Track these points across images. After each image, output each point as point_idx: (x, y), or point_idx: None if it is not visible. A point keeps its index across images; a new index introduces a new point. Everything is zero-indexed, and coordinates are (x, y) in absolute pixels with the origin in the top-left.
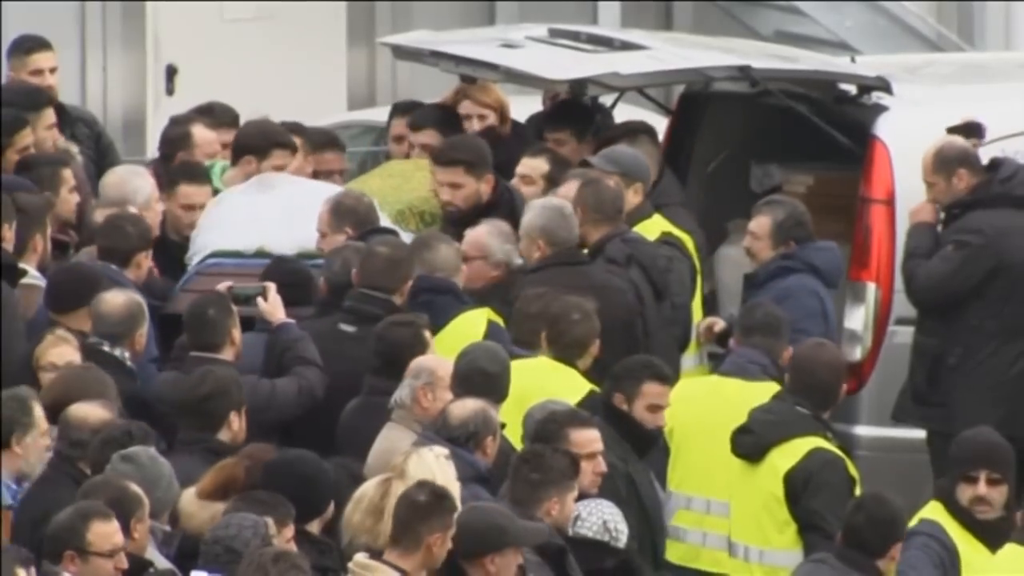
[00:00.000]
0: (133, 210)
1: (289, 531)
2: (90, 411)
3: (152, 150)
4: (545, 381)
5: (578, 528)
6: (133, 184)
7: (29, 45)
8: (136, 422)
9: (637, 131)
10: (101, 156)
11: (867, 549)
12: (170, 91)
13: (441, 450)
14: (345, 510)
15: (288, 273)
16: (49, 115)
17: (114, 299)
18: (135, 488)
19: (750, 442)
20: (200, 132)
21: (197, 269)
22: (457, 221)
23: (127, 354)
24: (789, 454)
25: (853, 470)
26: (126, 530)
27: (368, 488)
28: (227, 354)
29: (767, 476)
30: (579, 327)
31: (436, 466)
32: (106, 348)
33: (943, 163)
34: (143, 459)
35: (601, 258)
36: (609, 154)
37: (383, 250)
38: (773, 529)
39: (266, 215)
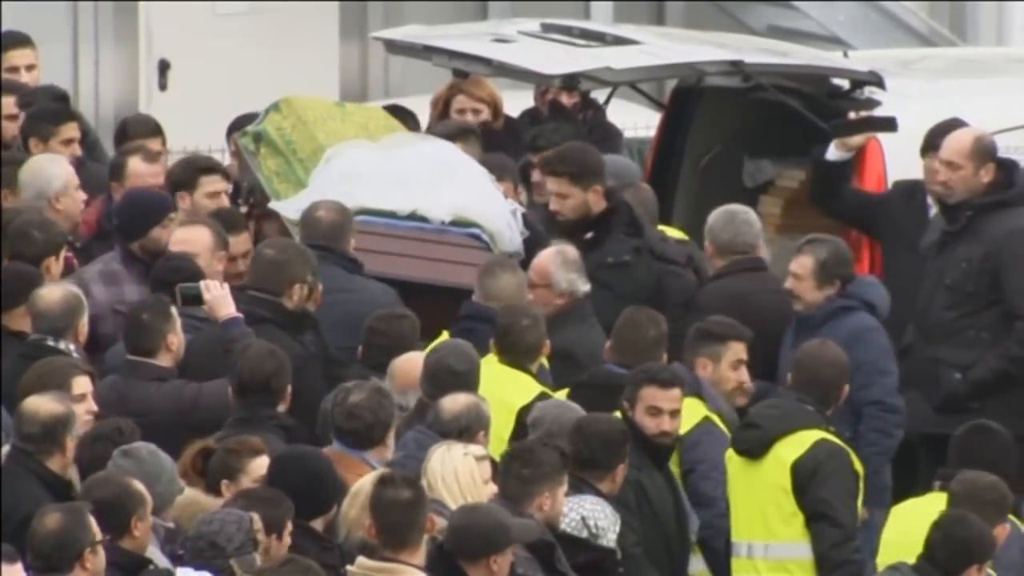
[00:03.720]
0: (43, 202)
1: (288, 529)
2: (41, 404)
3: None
4: (496, 385)
5: None
6: (48, 172)
7: (7, 41)
8: (123, 418)
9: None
10: (87, 153)
11: (943, 568)
12: (163, 86)
13: (476, 449)
14: (342, 505)
15: (175, 271)
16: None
17: (51, 294)
18: (137, 486)
19: (755, 436)
20: (135, 164)
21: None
22: (566, 231)
23: (72, 346)
24: (795, 445)
25: (858, 464)
26: (127, 528)
27: (365, 483)
28: (163, 359)
29: (773, 469)
30: (530, 332)
31: (461, 464)
32: (51, 343)
33: (982, 152)
34: (143, 454)
35: (654, 258)
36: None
37: (268, 252)
38: (779, 522)
39: (415, 175)
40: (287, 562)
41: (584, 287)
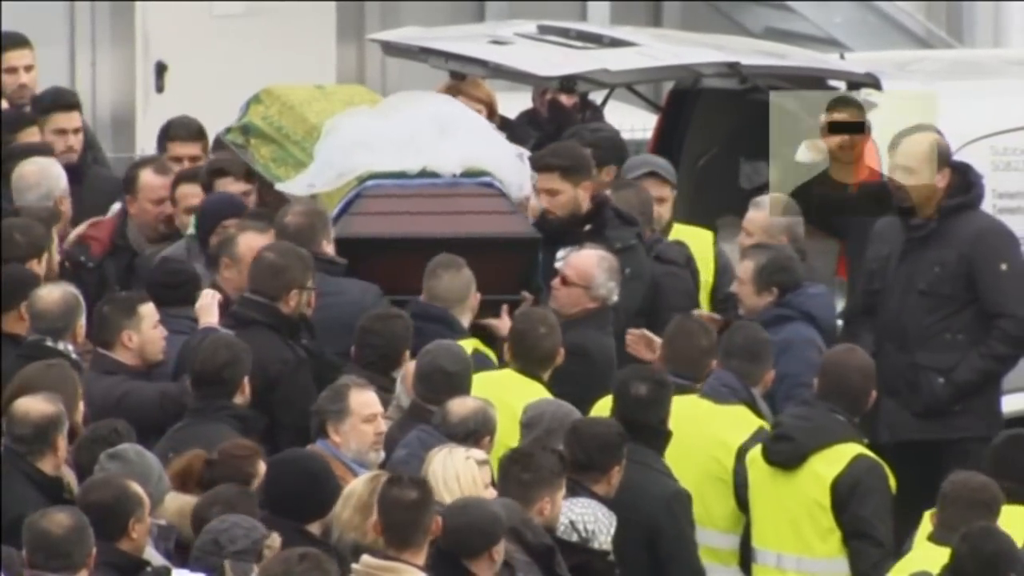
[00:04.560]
0: (49, 203)
1: None
2: (32, 405)
3: (141, 148)
4: (508, 394)
5: None
6: (55, 171)
7: (5, 42)
8: (119, 420)
9: None
10: (82, 152)
11: None
12: (159, 88)
13: (477, 453)
14: (335, 507)
15: (170, 273)
16: (57, 119)
17: (50, 294)
18: (136, 488)
19: (789, 449)
20: (147, 177)
21: (359, 191)
22: (557, 232)
23: (70, 347)
24: (833, 461)
25: (892, 479)
26: (124, 530)
27: (357, 485)
28: (121, 355)
29: (810, 483)
30: (547, 341)
31: (463, 468)
32: (49, 343)
33: (937, 157)
34: (131, 455)
35: (650, 257)
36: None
37: (268, 255)
38: (815, 537)
39: (419, 133)
40: (303, 558)
41: (615, 298)
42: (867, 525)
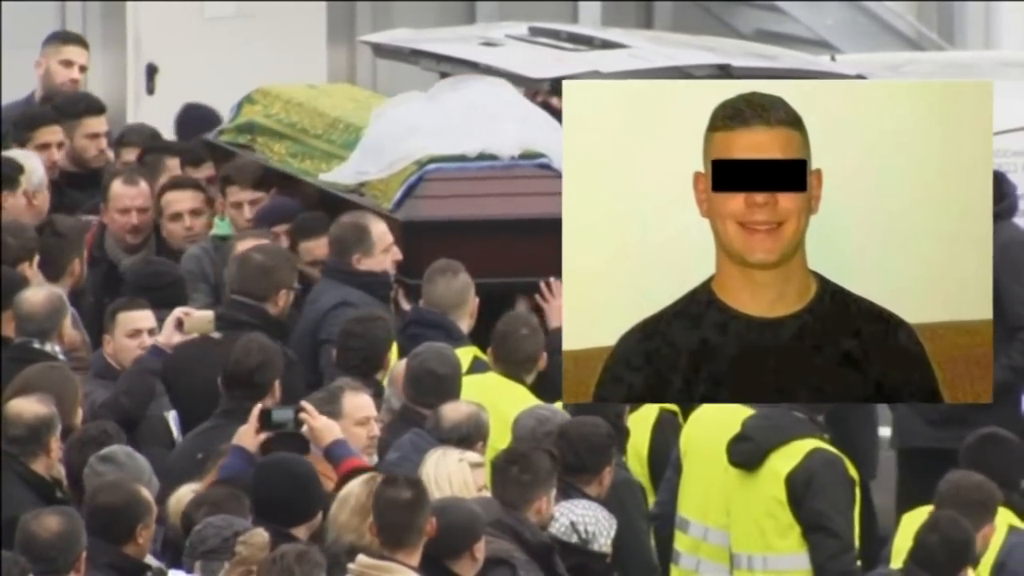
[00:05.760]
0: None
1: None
2: (24, 406)
3: None
4: (494, 397)
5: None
6: (28, 165)
7: (67, 35)
8: (108, 422)
9: None
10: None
11: (937, 570)
12: (150, 90)
13: (472, 455)
14: (331, 509)
15: (152, 275)
16: (91, 124)
17: (34, 297)
18: (146, 494)
19: (748, 449)
20: (116, 187)
21: (421, 175)
22: None
23: (58, 348)
24: (789, 456)
25: (853, 471)
26: (132, 534)
27: (354, 487)
28: (110, 358)
29: (768, 481)
30: (528, 342)
31: (455, 470)
32: (36, 345)
33: None
34: (121, 457)
35: None
36: None
37: (256, 256)
38: (775, 534)
39: (475, 115)
40: (299, 557)
41: None
42: (823, 518)
